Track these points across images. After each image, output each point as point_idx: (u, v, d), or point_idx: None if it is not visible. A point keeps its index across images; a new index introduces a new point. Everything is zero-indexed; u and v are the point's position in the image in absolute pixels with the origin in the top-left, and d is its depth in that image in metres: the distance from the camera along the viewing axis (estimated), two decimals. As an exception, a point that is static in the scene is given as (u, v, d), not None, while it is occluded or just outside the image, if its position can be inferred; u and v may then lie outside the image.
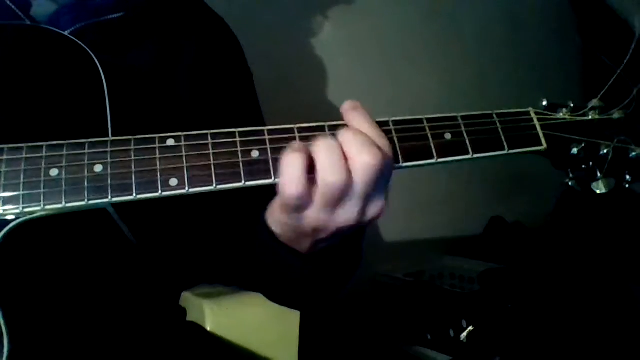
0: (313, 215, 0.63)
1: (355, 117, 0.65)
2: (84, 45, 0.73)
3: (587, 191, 0.75)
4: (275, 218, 0.67)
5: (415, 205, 1.95)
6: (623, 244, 1.90)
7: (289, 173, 0.61)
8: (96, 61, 0.72)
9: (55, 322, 0.75)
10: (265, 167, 0.64)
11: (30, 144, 0.62)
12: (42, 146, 0.62)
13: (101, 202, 0.62)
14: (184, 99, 0.87)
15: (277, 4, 1.70)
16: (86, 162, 0.62)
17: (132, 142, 0.63)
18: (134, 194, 0.62)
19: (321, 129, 0.66)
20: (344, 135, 0.63)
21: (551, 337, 1.50)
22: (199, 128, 0.65)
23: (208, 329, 0.98)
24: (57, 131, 0.67)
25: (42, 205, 0.61)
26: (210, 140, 0.64)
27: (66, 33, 0.76)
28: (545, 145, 0.73)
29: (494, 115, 0.72)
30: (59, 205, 0.61)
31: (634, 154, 0.75)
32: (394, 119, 0.69)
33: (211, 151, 0.64)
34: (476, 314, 1.53)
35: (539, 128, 0.73)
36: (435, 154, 0.68)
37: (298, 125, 0.66)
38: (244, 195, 0.67)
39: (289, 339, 1.04)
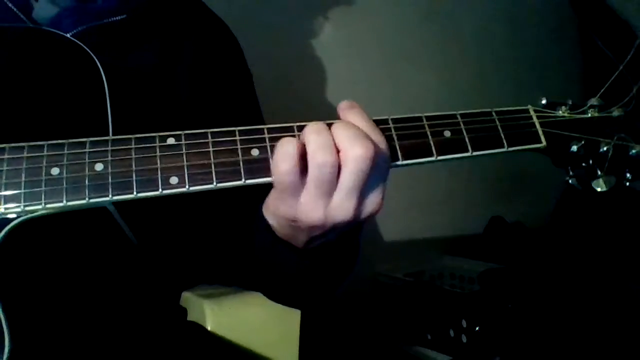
0: (307, 204, 0.62)
1: (352, 115, 0.66)
2: (85, 47, 0.73)
3: (587, 189, 0.75)
4: (271, 209, 0.67)
5: (415, 204, 1.95)
6: (623, 243, 1.90)
7: (282, 152, 0.61)
8: (97, 63, 0.72)
9: (56, 321, 0.75)
10: (265, 165, 0.64)
11: (31, 143, 0.62)
12: (43, 145, 0.62)
13: (102, 201, 0.62)
14: (184, 100, 0.88)
15: (277, 4, 1.71)
16: (87, 160, 0.62)
17: (133, 140, 0.63)
18: (135, 193, 0.62)
19: None
20: (336, 128, 0.63)
21: (551, 337, 1.50)
22: (199, 128, 0.65)
23: (209, 328, 0.98)
24: (58, 131, 0.67)
25: (43, 204, 0.61)
26: (210, 139, 0.64)
27: (68, 35, 0.76)
28: (544, 143, 0.73)
29: (493, 113, 0.72)
30: (60, 204, 0.61)
31: (633, 151, 0.75)
32: (393, 117, 0.69)
33: (211, 149, 0.64)
34: (476, 314, 1.53)
35: (538, 125, 0.73)
36: (434, 151, 0.68)
37: (298, 124, 0.66)
38: (243, 193, 0.67)
39: (290, 339, 1.04)
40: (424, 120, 0.69)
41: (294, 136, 0.65)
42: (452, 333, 1.58)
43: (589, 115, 0.76)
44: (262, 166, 0.64)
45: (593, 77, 2.32)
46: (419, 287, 1.71)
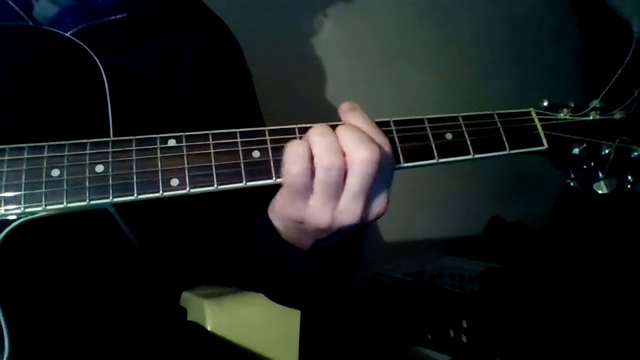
0: (315, 207, 0.62)
1: (353, 117, 0.65)
2: (85, 47, 0.73)
3: (588, 192, 0.75)
4: (278, 212, 0.67)
5: (416, 205, 1.95)
6: (622, 244, 1.91)
7: (292, 154, 0.61)
8: (98, 62, 0.72)
9: (56, 323, 0.75)
10: (266, 167, 0.64)
11: (31, 144, 0.62)
12: (43, 146, 0.62)
13: (102, 203, 0.62)
14: (184, 99, 0.88)
15: (277, 4, 1.71)
16: (87, 162, 0.62)
17: (134, 142, 0.63)
18: (135, 194, 0.62)
19: None
20: (340, 131, 0.63)
21: (551, 336, 1.50)
22: (199, 128, 0.65)
23: (208, 329, 0.98)
24: (58, 131, 0.67)
25: (43, 206, 0.61)
26: (211, 141, 0.64)
27: (68, 34, 0.76)
28: (546, 146, 0.73)
29: (495, 116, 0.72)
30: (60, 206, 0.61)
31: (635, 154, 0.74)
32: (394, 119, 0.68)
33: (212, 151, 0.64)
34: (476, 314, 1.53)
35: (540, 128, 0.73)
36: (436, 154, 0.68)
37: (299, 126, 0.66)
38: (245, 195, 0.67)
39: (290, 339, 1.04)
40: (426, 122, 0.69)
41: (295, 138, 0.65)
42: (452, 333, 1.58)
43: (591, 117, 0.75)
44: (263, 168, 0.64)
45: (593, 77, 2.32)
46: (419, 287, 1.71)
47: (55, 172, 0.61)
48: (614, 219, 1.94)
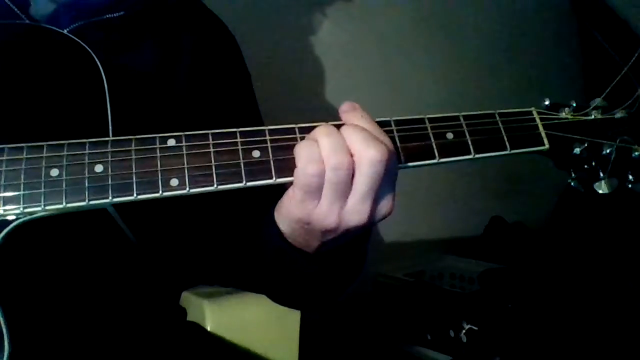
0: (323, 207, 0.62)
1: (355, 117, 0.65)
2: (83, 44, 0.72)
3: (589, 191, 0.75)
4: (285, 214, 0.67)
5: (415, 205, 1.95)
6: (623, 243, 1.91)
7: (307, 154, 0.61)
8: (96, 60, 0.72)
9: (56, 323, 0.75)
10: (266, 167, 0.64)
11: (30, 144, 0.62)
12: (42, 146, 0.62)
13: (102, 203, 0.61)
14: (183, 99, 0.87)
15: (277, 4, 1.70)
16: (87, 162, 0.62)
17: (133, 142, 0.63)
18: (135, 194, 0.61)
19: None
20: (346, 131, 0.62)
21: (551, 336, 1.50)
22: (198, 128, 0.65)
23: (208, 329, 0.98)
24: (57, 131, 0.67)
25: (42, 206, 0.61)
26: (211, 140, 0.64)
27: (65, 32, 0.75)
28: (547, 145, 0.72)
29: (496, 115, 0.71)
30: (60, 206, 0.61)
31: (636, 154, 0.74)
32: (395, 118, 0.68)
33: (212, 151, 0.63)
34: (476, 314, 1.53)
35: (541, 128, 0.73)
36: (437, 154, 0.68)
37: (299, 125, 0.65)
38: (245, 195, 0.67)
39: (290, 339, 1.04)
40: (427, 122, 0.69)
41: (295, 138, 0.64)
42: (452, 333, 1.58)
43: (592, 117, 0.75)
44: (263, 168, 0.64)
45: (593, 77, 2.32)
46: (419, 287, 1.71)
47: (55, 172, 0.61)
48: (615, 219, 1.94)
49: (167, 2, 0.91)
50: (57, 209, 0.61)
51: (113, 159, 0.62)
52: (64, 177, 0.61)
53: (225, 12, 1.02)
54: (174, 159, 0.63)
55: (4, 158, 0.61)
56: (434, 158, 0.68)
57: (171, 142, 0.63)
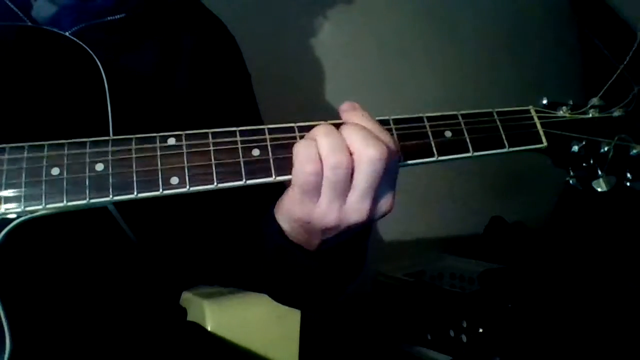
0: (322, 206, 0.62)
1: (355, 116, 0.65)
2: (85, 46, 0.73)
3: (587, 189, 0.75)
4: (285, 213, 0.67)
5: (415, 205, 1.95)
6: (623, 243, 1.91)
7: (304, 154, 0.61)
8: (97, 61, 0.72)
9: (57, 321, 0.75)
10: (266, 165, 0.64)
11: (31, 143, 0.62)
12: (43, 145, 0.62)
13: (102, 201, 0.62)
14: (184, 99, 0.88)
15: (277, 4, 1.71)
16: (87, 161, 0.62)
17: (133, 141, 0.63)
18: (135, 193, 0.62)
19: None
20: (346, 130, 0.63)
21: (551, 336, 1.50)
22: (198, 128, 0.65)
23: (208, 329, 0.98)
24: (58, 130, 0.67)
25: (43, 204, 0.61)
26: (210, 139, 0.64)
27: (67, 34, 0.76)
28: (545, 143, 0.73)
29: (495, 114, 0.72)
30: (60, 204, 0.61)
31: (634, 151, 0.75)
32: (394, 117, 0.68)
33: (212, 149, 0.64)
34: (476, 314, 1.53)
35: (539, 126, 0.73)
36: (435, 152, 0.68)
37: (298, 124, 0.66)
38: (245, 194, 0.67)
39: (290, 339, 1.04)
40: (425, 120, 0.69)
41: (295, 137, 0.65)
42: (452, 333, 1.58)
43: (590, 115, 0.76)
44: (262, 166, 0.64)
45: (593, 76, 2.32)
46: (419, 287, 1.71)
47: (55, 171, 0.61)
48: (614, 218, 1.95)
49: (167, 3, 0.92)
50: (58, 208, 0.61)
51: (113, 157, 0.62)
52: (65, 176, 0.61)
53: (225, 12, 1.02)
54: (174, 158, 0.63)
55: (5, 157, 0.62)
56: (432, 156, 0.68)
57: (171, 141, 0.64)
